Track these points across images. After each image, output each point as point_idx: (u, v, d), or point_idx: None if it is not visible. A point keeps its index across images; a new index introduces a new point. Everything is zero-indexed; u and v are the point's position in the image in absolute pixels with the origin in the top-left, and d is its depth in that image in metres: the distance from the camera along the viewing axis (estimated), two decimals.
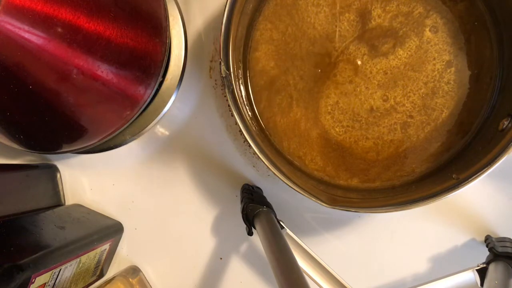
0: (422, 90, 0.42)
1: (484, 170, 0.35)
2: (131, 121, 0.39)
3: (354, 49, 0.43)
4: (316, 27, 0.43)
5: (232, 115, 0.37)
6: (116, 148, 0.46)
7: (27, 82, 0.30)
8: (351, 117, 0.43)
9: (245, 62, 0.44)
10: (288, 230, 0.40)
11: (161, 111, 0.46)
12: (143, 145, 0.48)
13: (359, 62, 0.43)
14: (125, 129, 0.42)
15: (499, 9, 0.40)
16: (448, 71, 0.42)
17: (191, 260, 0.49)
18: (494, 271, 0.39)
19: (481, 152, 0.38)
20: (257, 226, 0.38)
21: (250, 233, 0.39)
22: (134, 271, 0.47)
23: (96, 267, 0.44)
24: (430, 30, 0.42)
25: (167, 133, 0.48)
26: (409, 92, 0.42)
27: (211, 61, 0.48)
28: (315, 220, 0.47)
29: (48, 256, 0.35)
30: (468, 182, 0.35)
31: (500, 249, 0.42)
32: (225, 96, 0.47)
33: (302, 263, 0.40)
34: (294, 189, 0.37)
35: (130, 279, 0.46)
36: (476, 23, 0.41)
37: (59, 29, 0.29)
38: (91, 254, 0.42)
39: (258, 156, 0.37)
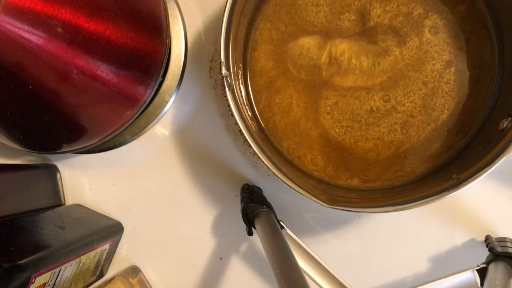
0: (422, 91, 0.42)
1: (484, 170, 0.35)
2: (131, 121, 0.39)
3: None
4: (316, 26, 0.43)
5: (232, 115, 0.37)
6: (116, 148, 0.46)
7: (27, 82, 0.30)
8: (350, 117, 0.43)
9: (245, 62, 0.44)
10: (288, 230, 0.40)
11: (161, 111, 0.46)
12: (143, 145, 0.48)
13: (359, 62, 0.43)
14: (125, 129, 0.42)
15: (499, 9, 0.40)
16: (448, 71, 0.42)
17: (191, 260, 0.49)
18: (494, 271, 0.39)
19: (481, 152, 0.38)
20: (257, 226, 0.38)
21: (250, 233, 0.39)
22: (134, 271, 0.47)
23: (96, 267, 0.44)
24: (429, 31, 0.42)
25: (167, 133, 0.48)
26: (409, 92, 0.42)
27: (211, 61, 0.48)
28: (315, 220, 0.47)
29: (48, 256, 0.35)
30: (468, 182, 0.35)
31: (500, 249, 0.42)
32: (225, 96, 0.47)
33: (302, 263, 0.40)
34: (294, 189, 0.37)
35: (130, 279, 0.46)
36: (476, 23, 0.41)
37: (59, 29, 0.29)
38: (91, 254, 0.42)
39: (258, 156, 0.37)
